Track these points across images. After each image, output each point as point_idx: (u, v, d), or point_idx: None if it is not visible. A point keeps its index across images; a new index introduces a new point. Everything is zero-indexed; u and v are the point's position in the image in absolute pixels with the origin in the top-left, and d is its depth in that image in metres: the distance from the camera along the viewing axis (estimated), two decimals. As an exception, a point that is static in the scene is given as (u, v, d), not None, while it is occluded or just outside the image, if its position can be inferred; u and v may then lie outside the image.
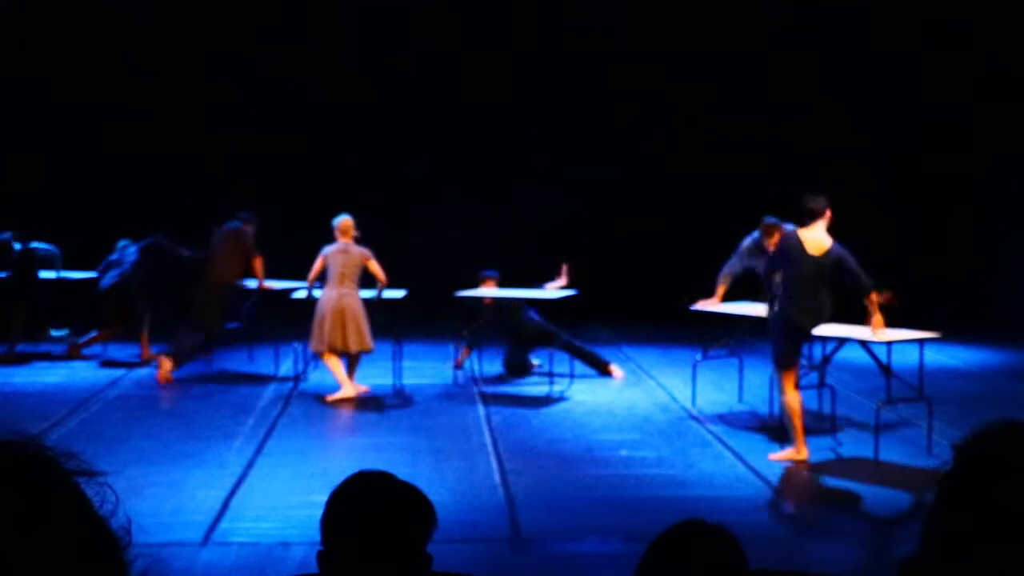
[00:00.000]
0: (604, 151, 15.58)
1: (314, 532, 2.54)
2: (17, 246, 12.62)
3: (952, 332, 11.65)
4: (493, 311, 11.81)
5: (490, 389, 11.31)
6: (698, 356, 11.08)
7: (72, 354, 12.65)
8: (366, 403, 10.61)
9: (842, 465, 8.63)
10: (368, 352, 10.87)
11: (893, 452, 8.78)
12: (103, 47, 14.96)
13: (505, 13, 15.65)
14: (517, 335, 11.81)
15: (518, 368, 11.72)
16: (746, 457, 8.72)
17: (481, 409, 10.41)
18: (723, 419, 10.03)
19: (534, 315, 11.77)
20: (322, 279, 10.78)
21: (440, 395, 11.01)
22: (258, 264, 11.65)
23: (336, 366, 10.71)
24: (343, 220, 10.79)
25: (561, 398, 10.95)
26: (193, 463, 8.38)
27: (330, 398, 10.68)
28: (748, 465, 8.51)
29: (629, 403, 10.69)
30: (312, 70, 15.38)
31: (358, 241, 10.80)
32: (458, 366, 11.79)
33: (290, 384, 11.40)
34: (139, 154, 14.91)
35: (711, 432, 9.58)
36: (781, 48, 15.33)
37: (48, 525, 1.09)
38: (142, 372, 11.93)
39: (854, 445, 9.10)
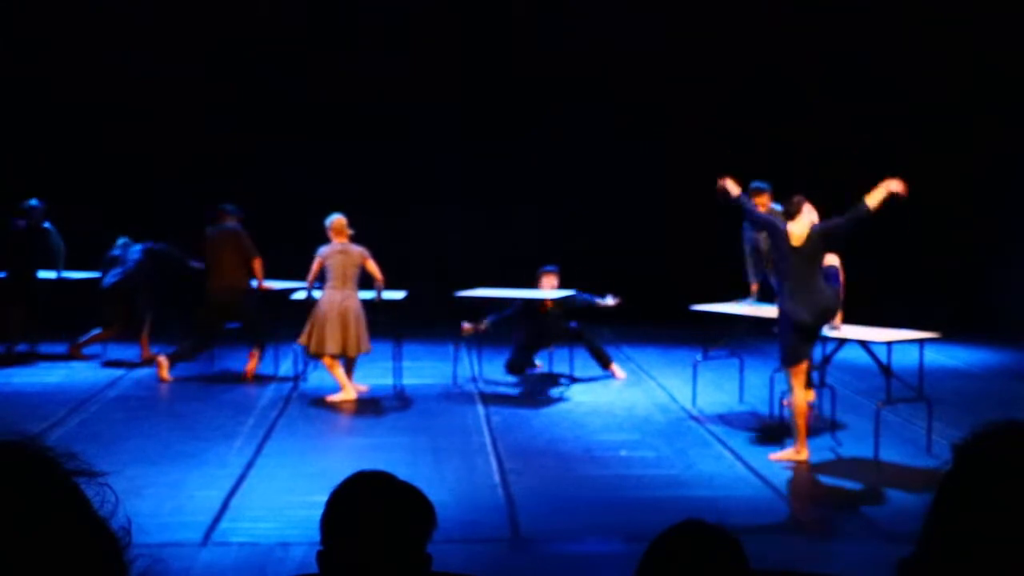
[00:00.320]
0: (604, 151, 15.58)
1: (314, 532, 2.54)
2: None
3: (952, 332, 11.65)
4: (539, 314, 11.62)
5: (490, 389, 11.31)
6: (698, 356, 11.08)
7: (73, 354, 12.65)
8: (366, 403, 10.61)
9: (842, 465, 8.63)
10: (367, 353, 10.87)
11: (893, 452, 8.78)
12: (103, 47, 14.95)
13: (505, 13, 15.65)
14: (538, 337, 11.67)
15: (519, 368, 11.69)
16: (746, 457, 8.72)
17: (481, 409, 10.41)
18: (723, 419, 10.03)
19: (573, 324, 11.71)
20: (320, 279, 10.75)
21: (440, 395, 11.01)
22: (258, 265, 11.63)
23: (336, 368, 10.71)
24: (337, 220, 10.72)
25: (561, 398, 10.95)
26: (193, 463, 8.38)
27: (330, 399, 10.68)
28: (748, 465, 8.51)
29: (629, 403, 10.70)
30: (311, 70, 15.38)
31: (353, 239, 10.77)
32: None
33: (290, 384, 11.40)
34: (139, 154, 14.91)
35: (711, 432, 9.58)
36: (781, 48, 15.32)
37: (48, 525, 1.09)
38: (142, 372, 11.93)
39: (854, 445, 9.10)
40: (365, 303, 10.80)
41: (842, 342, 9.46)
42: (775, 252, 8.56)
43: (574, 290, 11.61)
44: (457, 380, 11.61)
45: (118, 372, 11.96)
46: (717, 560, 2.38)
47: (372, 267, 10.70)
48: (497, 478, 8.11)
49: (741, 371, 10.98)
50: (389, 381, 11.20)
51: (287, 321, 11.77)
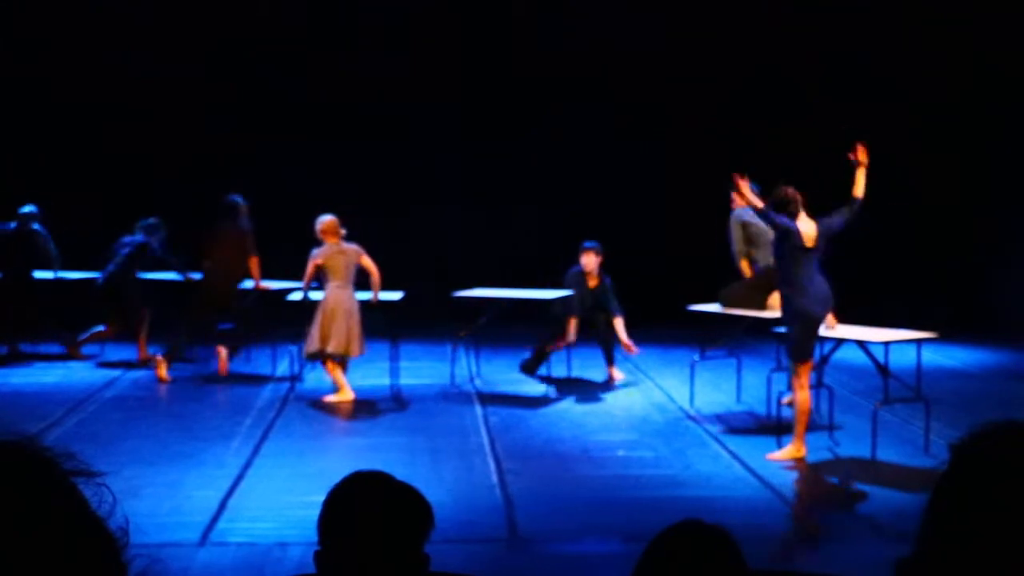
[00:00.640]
0: (604, 151, 15.58)
1: (311, 532, 2.54)
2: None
3: (950, 332, 11.65)
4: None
5: (488, 390, 11.31)
6: (696, 356, 11.08)
7: (71, 353, 12.64)
8: (363, 404, 10.60)
9: (840, 465, 8.63)
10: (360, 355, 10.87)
11: (890, 452, 8.78)
12: (103, 47, 14.94)
13: (505, 13, 15.64)
14: (592, 310, 11.57)
15: (533, 368, 11.62)
16: (744, 457, 8.72)
17: (479, 409, 10.40)
18: (721, 419, 10.03)
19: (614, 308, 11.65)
20: (317, 281, 10.70)
21: (437, 396, 11.00)
22: (255, 264, 11.63)
23: (336, 368, 10.69)
24: (330, 220, 10.64)
25: (559, 398, 10.95)
26: (191, 463, 8.38)
27: (328, 399, 10.67)
28: (746, 465, 8.51)
29: (627, 403, 10.70)
30: (311, 70, 15.38)
31: (346, 239, 10.73)
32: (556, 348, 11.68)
33: (287, 385, 11.39)
34: (139, 154, 14.89)
35: (709, 432, 9.58)
36: (781, 48, 15.32)
37: (46, 526, 1.09)
38: (139, 372, 11.92)
39: (852, 445, 9.11)
40: (361, 304, 10.79)
41: (840, 342, 9.46)
42: (784, 252, 8.50)
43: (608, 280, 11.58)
44: (455, 380, 11.60)
45: (116, 372, 11.96)
46: (715, 560, 2.38)
47: (368, 262, 10.68)
48: (495, 478, 8.11)
49: (739, 371, 10.97)
50: (387, 381, 11.20)
51: (287, 321, 11.75)
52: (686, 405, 10.53)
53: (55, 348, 12.86)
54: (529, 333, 11.84)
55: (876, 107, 15.41)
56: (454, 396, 11.00)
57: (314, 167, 15.13)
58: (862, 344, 9.20)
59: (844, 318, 9.33)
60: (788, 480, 8.27)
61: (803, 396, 8.56)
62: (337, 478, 2.55)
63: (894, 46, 15.23)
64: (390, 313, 11.27)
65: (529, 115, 15.49)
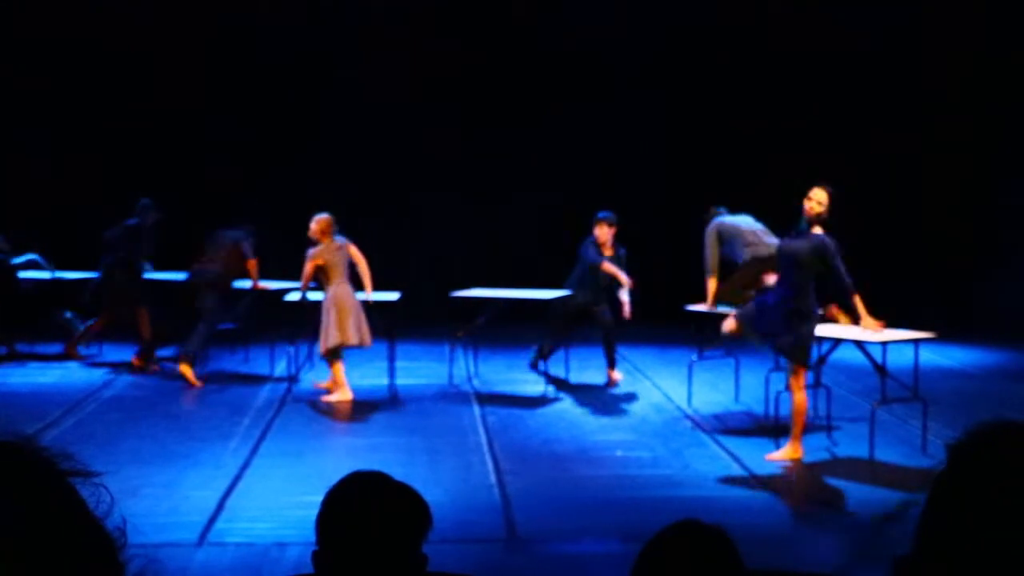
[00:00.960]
0: (603, 151, 15.59)
1: (309, 532, 2.54)
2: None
3: (947, 332, 11.66)
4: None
5: (486, 389, 11.31)
6: (694, 356, 11.09)
7: (69, 353, 12.62)
8: (361, 404, 10.60)
9: (837, 465, 8.63)
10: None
11: (888, 452, 8.79)
12: (102, 46, 14.94)
13: (505, 13, 15.64)
14: (597, 292, 11.57)
15: (547, 354, 11.65)
16: (742, 457, 8.72)
17: (477, 409, 10.40)
18: (719, 419, 10.03)
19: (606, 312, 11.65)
20: (316, 281, 10.69)
21: (435, 395, 11.00)
22: (253, 265, 11.62)
23: (342, 366, 10.69)
24: (326, 219, 10.58)
25: (557, 399, 10.95)
26: (189, 464, 8.38)
27: (326, 399, 10.67)
28: (744, 465, 8.51)
29: (625, 403, 10.70)
30: (311, 69, 15.38)
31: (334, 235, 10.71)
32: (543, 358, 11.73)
33: (285, 385, 11.39)
34: (139, 154, 14.89)
35: (707, 432, 9.58)
36: (781, 47, 15.33)
37: (43, 526, 1.09)
38: (134, 371, 11.91)
39: (849, 445, 9.11)
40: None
41: (838, 342, 9.47)
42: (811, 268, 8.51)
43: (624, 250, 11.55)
44: (453, 380, 11.60)
45: (114, 372, 11.95)
46: (713, 560, 2.38)
47: (356, 252, 10.69)
48: (493, 478, 8.11)
49: (737, 371, 10.98)
50: (385, 381, 11.20)
51: (285, 321, 11.76)
52: (684, 405, 10.53)
53: (54, 348, 12.86)
54: (528, 333, 11.85)
55: (876, 107, 15.44)
56: (452, 396, 11.00)
57: (313, 167, 15.12)
58: (860, 344, 9.20)
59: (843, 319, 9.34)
60: (786, 480, 8.28)
61: (801, 397, 8.56)
62: (335, 478, 2.55)
63: (894, 46, 15.24)
64: (388, 313, 11.27)
65: (529, 115, 15.50)
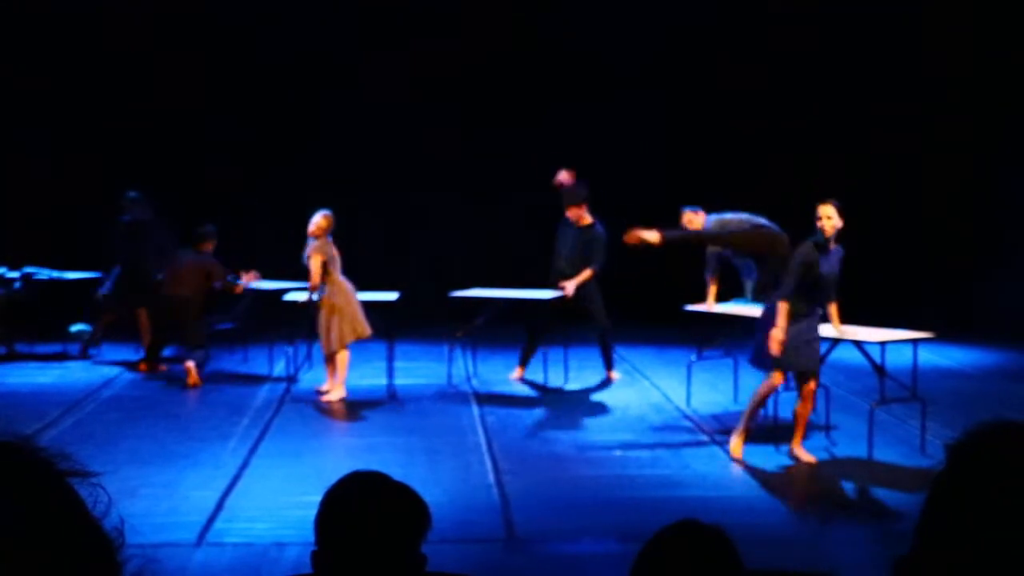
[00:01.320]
0: (602, 151, 15.57)
1: (308, 533, 2.54)
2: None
3: (946, 332, 11.66)
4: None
5: (484, 390, 11.30)
6: (693, 356, 11.09)
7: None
8: (360, 404, 10.60)
9: (836, 465, 8.63)
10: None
11: (887, 452, 8.79)
12: (102, 45, 14.93)
13: (505, 13, 15.63)
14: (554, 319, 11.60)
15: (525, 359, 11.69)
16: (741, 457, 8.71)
17: (475, 409, 10.40)
18: (718, 419, 10.03)
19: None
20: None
21: (434, 395, 11.00)
22: (231, 287, 11.56)
23: (347, 363, 10.70)
24: (330, 216, 10.56)
25: (556, 398, 10.95)
26: (187, 464, 8.37)
27: (325, 399, 10.67)
28: (742, 465, 8.51)
29: (623, 403, 10.69)
30: (311, 69, 15.37)
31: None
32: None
33: (284, 385, 11.39)
34: (139, 154, 14.88)
35: (706, 432, 9.58)
36: (780, 47, 15.33)
37: (41, 526, 1.09)
38: (136, 373, 11.91)
39: (848, 445, 9.11)
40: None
41: (836, 342, 9.46)
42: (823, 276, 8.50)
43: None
44: (452, 380, 11.60)
45: (113, 372, 11.95)
46: (712, 560, 2.38)
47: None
48: (492, 478, 8.11)
49: (735, 371, 10.97)
50: (383, 381, 11.19)
51: (284, 321, 11.75)
52: (683, 405, 10.53)
53: (52, 348, 12.85)
54: (526, 333, 11.82)
55: (877, 107, 15.43)
56: (451, 396, 10.99)
57: (313, 167, 15.11)
58: (858, 344, 9.20)
59: (842, 318, 9.32)
60: (784, 480, 8.27)
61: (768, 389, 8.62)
62: (334, 478, 2.55)
63: (894, 46, 15.23)
64: (387, 313, 11.27)
65: (529, 115, 15.49)
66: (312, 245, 10.57)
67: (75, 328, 12.93)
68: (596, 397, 11.00)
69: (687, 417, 10.13)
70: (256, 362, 12.31)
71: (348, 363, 10.72)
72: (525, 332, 11.72)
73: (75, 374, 11.91)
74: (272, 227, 12.63)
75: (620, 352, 12.40)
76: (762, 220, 10.03)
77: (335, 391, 10.68)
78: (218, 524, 6.97)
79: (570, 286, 11.22)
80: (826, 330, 9.07)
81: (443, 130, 15.41)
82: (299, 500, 7.14)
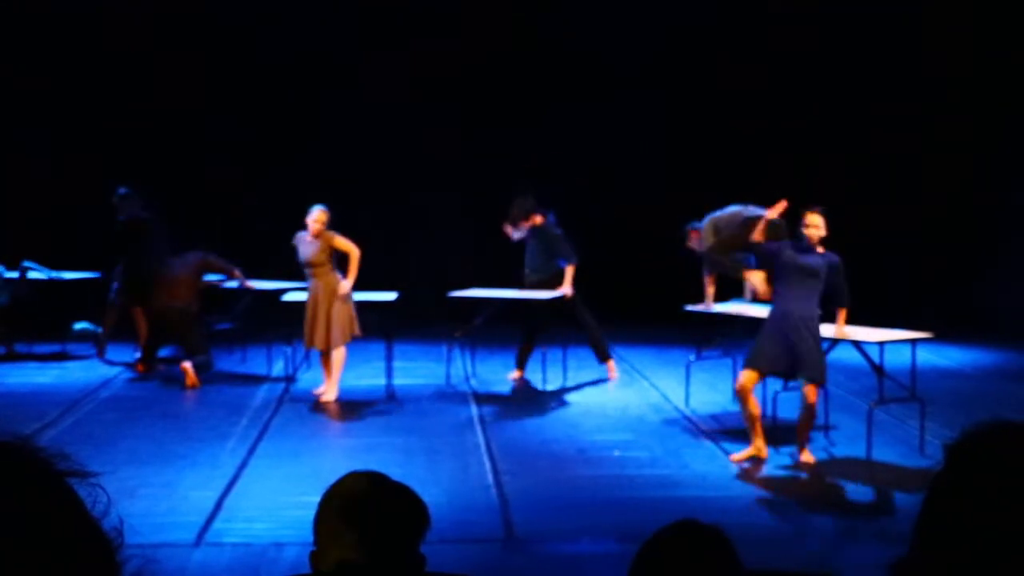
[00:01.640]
0: (602, 151, 15.58)
1: (307, 533, 2.54)
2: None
3: (945, 332, 11.67)
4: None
5: (483, 390, 11.30)
6: (692, 356, 11.09)
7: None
8: (359, 404, 10.60)
9: (835, 465, 8.63)
10: None
11: (886, 452, 8.79)
12: (101, 45, 14.93)
13: (505, 13, 15.64)
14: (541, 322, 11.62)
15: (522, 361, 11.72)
16: (740, 457, 8.72)
17: (474, 410, 10.40)
18: (717, 419, 10.03)
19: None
20: (311, 268, 10.60)
21: (433, 396, 11.00)
22: (232, 272, 11.59)
23: (343, 362, 10.69)
24: (327, 210, 10.55)
25: (554, 399, 10.95)
26: (186, 464, 8.37)
27: (324, 399, 10.66)
28: (741, 466, 8.51)
29: (622, 403, 10.69)
30: (311, 69, 15.37)
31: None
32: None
33: (283, 385, 11.39)
34: (139, 154, 14.88)
35: (705, 432, 9.58)
36: (780, 48, 15.33)
37: (40, 526, 1.09)
38: (134, 372, 11.91)
39: (847, 445, 9.11)
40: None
41: (835, 342, 9.46)
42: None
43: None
44: (451, 380, 11.60)
45: (112, 372, 11.95)
46: (710, 560, 2.38)
47: None
48: (491, 478, 8.11)
49: (734, 371, 10.97)
50: (382, 381, 11.19)
51: (283, 322, 11.74)
52: (682, 405, 10.53)
53: (51, 348, 12.86)
54: (522, 334, 11.82)
55: (877, 107, 15.44)
56: (450, 396, 10.99)
57: (313, 167, 15.12)
58: (857, 344, 9.20)
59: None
60: (783, 480, 8.27)
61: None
62: (333, 478, 2.56)
63: (893, 46, 15.24)
64: (386, 313, 11.27)
65: (529, 115, 15.49)
66: (324, 236, 10.34)
67: (78, 327, 12.93)
68: (595, 397, 11.00)
69: (686, 417, 10.13)
70: (255, 362, 12.31)
71: (344, 362, 10.69)
72: (521, 333, 11.73)
73: (74, 374, 11.91)
74: (272, 227, 12.61)
75: (619, 352, 12.40)
76: (754, 209, 10.00)
77: (329, 391, 10.66)
78: (217, 524, 6.97)
79: (567, 288, 11.23)
80: (825, 330, 9.06)
81: (443, 130, 15.41)
82: (298, 500, 7.13)
